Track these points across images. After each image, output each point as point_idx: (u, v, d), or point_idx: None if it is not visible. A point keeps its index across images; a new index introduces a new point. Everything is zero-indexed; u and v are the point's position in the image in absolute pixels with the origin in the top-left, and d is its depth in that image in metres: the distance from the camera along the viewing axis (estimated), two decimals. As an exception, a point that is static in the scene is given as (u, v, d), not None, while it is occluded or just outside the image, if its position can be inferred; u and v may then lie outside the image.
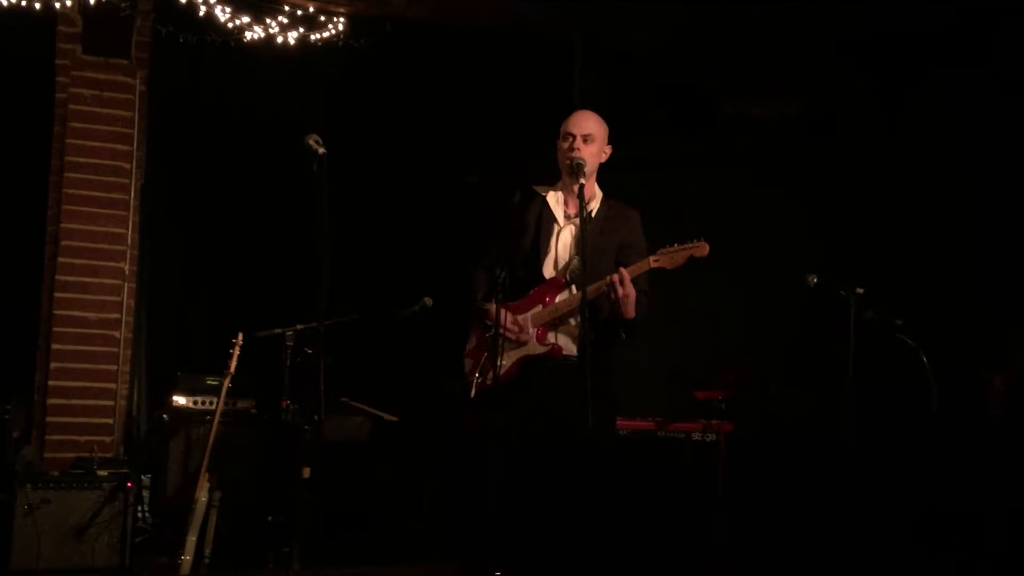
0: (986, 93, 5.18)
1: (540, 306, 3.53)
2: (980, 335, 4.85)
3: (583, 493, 3.31)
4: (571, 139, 3.55)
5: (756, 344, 5.42)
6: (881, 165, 5.45)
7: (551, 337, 3.53)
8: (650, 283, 3.56)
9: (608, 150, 3.64)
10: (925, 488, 4.35)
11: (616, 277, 3.37)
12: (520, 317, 3.53)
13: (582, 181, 3.43)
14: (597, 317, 3.48)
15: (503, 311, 3.47)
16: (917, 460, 4.43)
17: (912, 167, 5.37)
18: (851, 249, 5.17)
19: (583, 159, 3.49)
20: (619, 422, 4.55)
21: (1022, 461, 4.34)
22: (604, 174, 3.68)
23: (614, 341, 3.55)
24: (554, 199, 3.65)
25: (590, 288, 3.39)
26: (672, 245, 3.44)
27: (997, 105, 5.13)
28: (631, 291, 3.38)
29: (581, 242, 3.38)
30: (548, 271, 3.57)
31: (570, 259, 3.48)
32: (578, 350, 3.48)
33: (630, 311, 3.41)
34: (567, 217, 3.61)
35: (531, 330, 3.51)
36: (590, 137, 3.55)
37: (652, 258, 3.46)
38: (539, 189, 3.70)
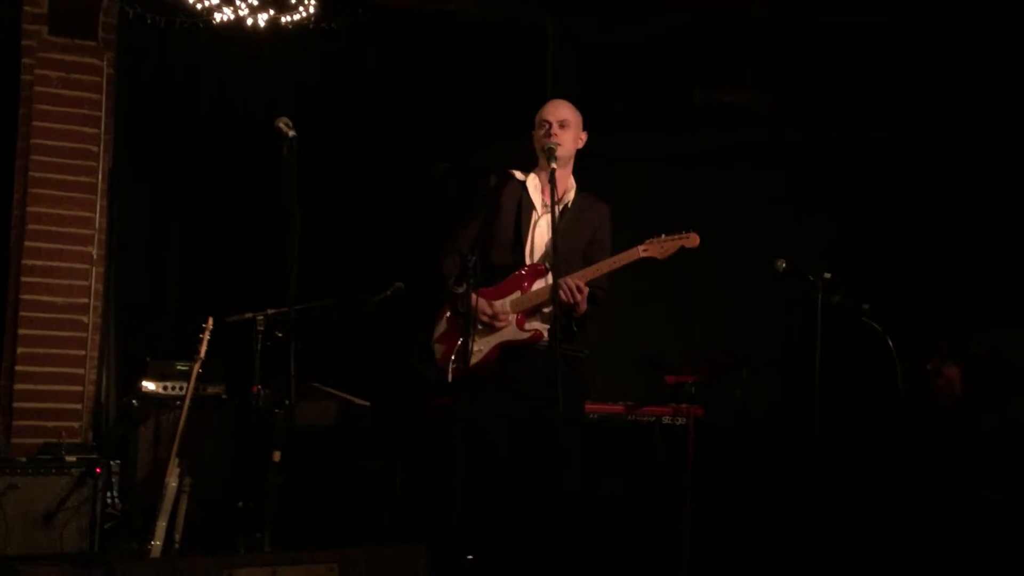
0: (952, 91, 5.27)
1: (519, 292, 3.54)
2: (943, 323, 4.91)
3: (553, 478, 3.33)
4: (547, 126, 3.58)
5: (725, 329, 5.47)
6: (850, 153, 5.50)
7: (531, 323, 3.54)
8: (612, 281, 3.58)
9: (583, 136, 3.67)
10: (892, 474, 4.41)
11: (572, 285, 3.40)
12: (498, 303, 3.54)
13: (553, 166, 3.44)
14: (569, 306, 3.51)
15: (475, 296, 3.47)
16: (884, 445, 4.48)
17: (880, 156, 5.43)
18: (819, 235, 5.23)
19: (558, 143, 3.51)
20: (590, 406, 4.58)
21: (983, 452, 4.41)
22: (577, 166, 3.70)
23: (584, 329, 3.57)
24: (532, 185, 3.66)
25: (579, 274, 3.43)
26: (660, 236, 3.47)
27: (963, 101, 5.22)
28: (585, 292, 3.44)
29: (554, 231, 3.40)
30: (525, 258, 3.58)
31: (547, 249, 3.50)
32: (550, 336, 3.50)
33: (581, 308, 3.48)
34: (544, 205, 3.62)
35: (511, 316, 3.52)
36: (565, 123, 3.59)
37: (640, 248, 3.49)
38: (517, 174, 3.70)
